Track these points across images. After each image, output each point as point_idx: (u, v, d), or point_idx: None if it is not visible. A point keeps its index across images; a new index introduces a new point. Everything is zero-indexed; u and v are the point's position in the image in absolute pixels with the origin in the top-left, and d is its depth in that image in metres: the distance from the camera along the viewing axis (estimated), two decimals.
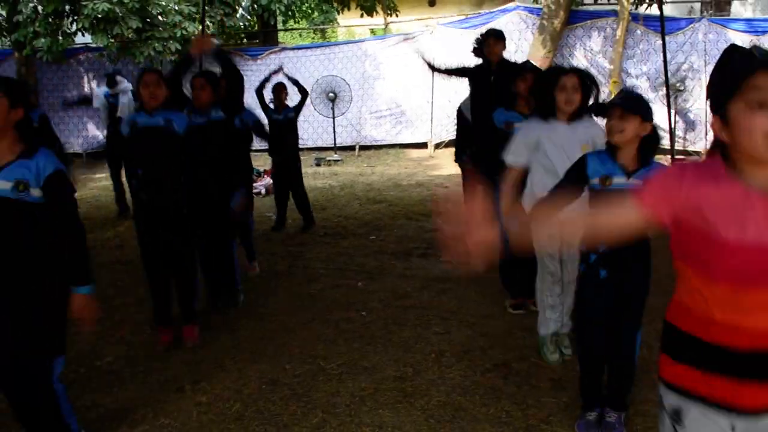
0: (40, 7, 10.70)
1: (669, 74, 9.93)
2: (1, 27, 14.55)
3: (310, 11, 14.80)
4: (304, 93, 6.99)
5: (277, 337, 4.19)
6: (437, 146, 12.53)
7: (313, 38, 25.02)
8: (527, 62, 5.14)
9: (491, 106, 4.56)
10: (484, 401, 3.30)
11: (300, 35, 22.94)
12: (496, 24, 12.34)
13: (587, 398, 3.05)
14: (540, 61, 11.16)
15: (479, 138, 5.23)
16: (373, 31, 23.86)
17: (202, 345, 4.08)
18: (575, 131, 3.49)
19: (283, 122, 6.83)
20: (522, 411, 3.20)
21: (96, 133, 13.48)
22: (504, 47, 5.16)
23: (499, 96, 4.62)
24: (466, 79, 5.69)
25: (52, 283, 2.66)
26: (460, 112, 6.56)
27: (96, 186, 10.47)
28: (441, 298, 4.86)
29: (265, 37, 15.00)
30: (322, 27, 15.61)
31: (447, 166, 11.11)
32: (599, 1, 12.86)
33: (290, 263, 5.86)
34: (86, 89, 13.47)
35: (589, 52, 12.32)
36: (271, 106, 6.92)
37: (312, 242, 6.61)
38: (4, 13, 12.43)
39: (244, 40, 16.57)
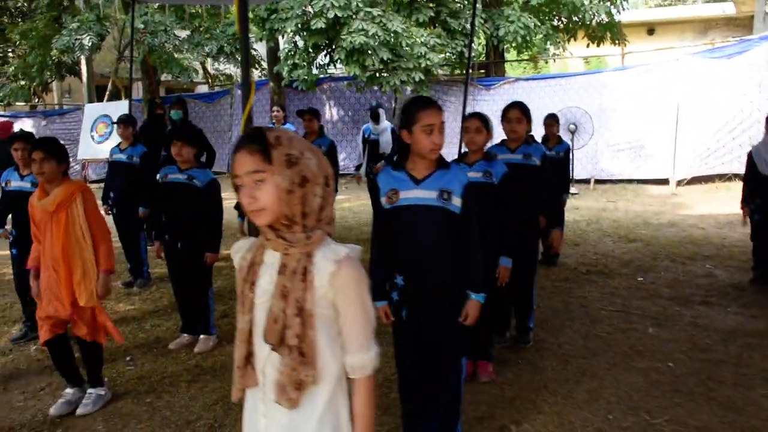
0: (300, 42, 11.65)
1: None
2: (256, 60, 16.16)
3: (538, 42, 14.62)
4: None
5: (584, 381, 4.02)
6: (679, 183, 11.74)
7: (525, 69, 24.80)
8: None
9: None
10: None
11: (510, 66, 22.90)
12: (754, 53, 11.38)
13: None
14: None
15: None
16: (587, 62, 23.18)
17: (508, 381, 4.03)
18: None
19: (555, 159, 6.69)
20: None
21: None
22: None
23: None
24: None
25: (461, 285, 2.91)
26: (750, 157, 6.05)
27: (341, 207, 11.05)
28: (752, 354, 4.41)
29: (495, 68, 15.11)
30: (553, 56, 15.34)
31: (695, 205, 10.36)
32: None
33: (564, 300, 5.69)
34: (327, 115, 14.42)
35: None
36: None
37: (577, 279, 6.39)
38: (263, 49, 13.73)
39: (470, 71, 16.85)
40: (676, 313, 5.35)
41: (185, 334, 4.98)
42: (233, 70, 19.26)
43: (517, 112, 4.34)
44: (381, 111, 8.39)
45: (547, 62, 23.45)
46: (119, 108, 16.67)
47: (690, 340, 4.71)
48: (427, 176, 2.79)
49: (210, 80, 18.93)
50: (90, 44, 13.35)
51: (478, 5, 12.56)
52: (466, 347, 3.00)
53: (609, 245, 7.90)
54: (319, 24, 10.75)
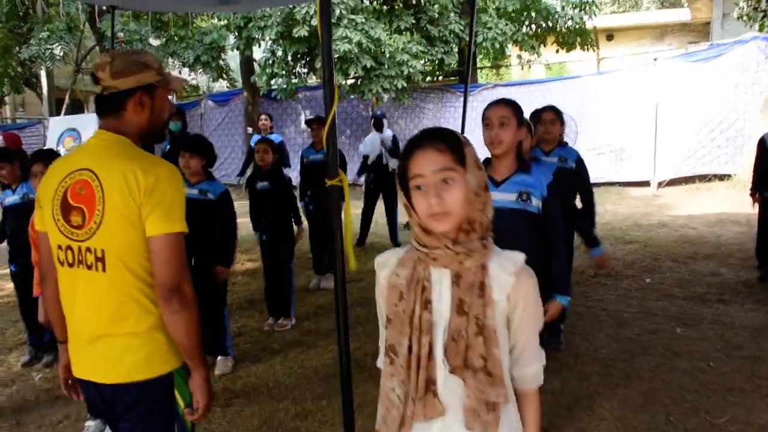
0: (279, 51, 11.46)
1: None
2: (223, 70, 15.87)
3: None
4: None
5: (632, 384, 3.97)
6: (660, 184, 11.91)
7: (487, 75, 25.07)
8: None
9: None
10: None
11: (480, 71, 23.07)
12: (730, 56, 11.63)
13: None
14: None
15: None
16: (549, 68, 23.53)
17: (558, 389, 3.93)
18: None
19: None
20: None
21: None
22: None
23: None
24: None
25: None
26: (762, 143, 6.11)
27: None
28: None
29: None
30: (528, 62, 15.45)
31: (680, 205, 10.49)
32: None
33: (585, 304, 5.66)
34: (303, 125, 14.22)
35: None
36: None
37: (587, 282, 6.37)
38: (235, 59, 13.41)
39: (439, 78, 16.85)
40: (697, 312, 5.35)
41: None
42: (200, 80, 18.90)
43: (551, 114, 4.31)
44: (384, 120, 8.31)
45: (509, 69, 23.75)
46: (85, 121, 16.19)
47: (721, 339, 4.70)
48: (506, 178, 2.76)
49: (177, 91, 18.53)
50: (62, 54, 12.94)
51: (455, 11, 12.60)
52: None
53: (607, 247, 7.90)
54: (302, 32, 10.58)
